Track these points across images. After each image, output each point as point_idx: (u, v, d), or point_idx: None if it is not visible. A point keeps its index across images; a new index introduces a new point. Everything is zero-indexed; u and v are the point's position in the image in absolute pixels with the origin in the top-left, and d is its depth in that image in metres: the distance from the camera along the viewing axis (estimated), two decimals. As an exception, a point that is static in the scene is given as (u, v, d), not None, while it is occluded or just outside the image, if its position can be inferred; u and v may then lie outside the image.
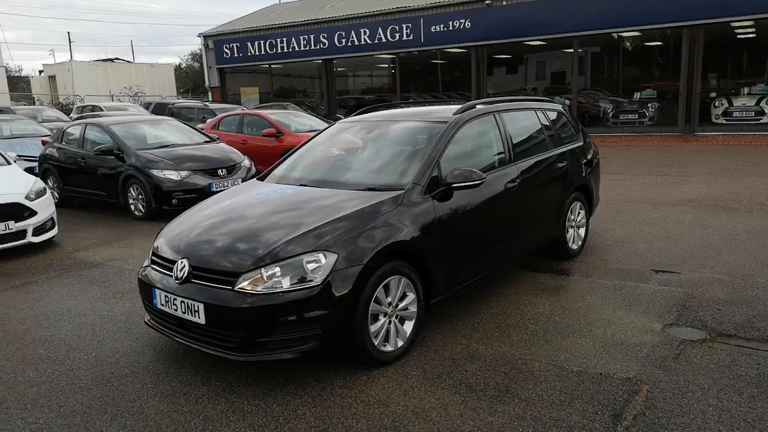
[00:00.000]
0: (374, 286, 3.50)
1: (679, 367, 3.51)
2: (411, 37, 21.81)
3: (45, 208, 7.25)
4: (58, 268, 6.28)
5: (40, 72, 36.68)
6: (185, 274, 3.50)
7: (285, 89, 28.76)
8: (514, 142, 4.97)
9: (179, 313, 3.51)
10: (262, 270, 3.31)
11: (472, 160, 4.60)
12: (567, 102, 19.64)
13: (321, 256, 3.35)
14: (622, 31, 19.16)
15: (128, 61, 41.10)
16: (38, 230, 7.10)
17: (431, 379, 3.46)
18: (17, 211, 6.87)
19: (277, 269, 3.31)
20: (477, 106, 4.87)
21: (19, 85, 37.25)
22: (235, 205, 4.20)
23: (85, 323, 4.60)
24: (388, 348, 3.68)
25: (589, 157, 6.12)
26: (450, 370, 3.57)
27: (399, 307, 3.74)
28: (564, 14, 18.48)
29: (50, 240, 7.33)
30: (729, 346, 3.78)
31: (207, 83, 28.93)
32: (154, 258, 3.89)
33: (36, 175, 10.56)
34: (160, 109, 20.93)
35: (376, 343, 3.57)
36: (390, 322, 3.69)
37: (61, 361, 3.91)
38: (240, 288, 3.29)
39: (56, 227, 7.49)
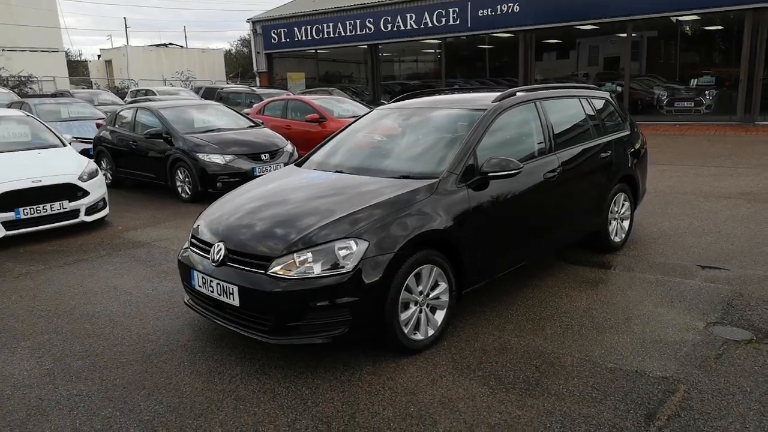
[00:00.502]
0: (405, 275, 3.50)
1: (721, 368, 3.38)
2: (458, 22, 21.50)
3: (97, 188, 7.53)
4: (108, 247, 6.53)
5: (99, 57, 38.10)
6: (221, 257, 3.58)
7: (331, 74, 28.85)
8: (556, 130, 4.85)
9: (215, 295, 3.60)
10: (295, 255, 3.35)
11: (510, 148, 4.52)
12: (619, 88, 19.02)
13: (352, 243, 3.37)
14: (680, 15, 18.33)
15: (181, 46, 42.17)
16: (90, 210, 7.38)
17: (460, 370, 3.45)
18: (71, 192, 7.16)
19: (309, 255, 3.34)
20: (517, 94, 4.76)
21: (78, 69, 38.70)
22: (271, 190, 4.26)
23: (130, 301, 4.77)
24: (419, 336, 3.69)
25: (636, 147, 5.92)
26: (480, 361, 3.55)
27: (430, 296, 3.73)
28: (617, -3, 17.83)
29: (102, 219, 7.61)
30: (776, 347, 3.62)
31: (255, 68, 29.30)
32: (193, 240, 3.99)
33: (91, 156, 11.01)
34: (209, 93, 21.40)
35: (406, 331, 3.58)
36: (421, 311, 3.69)
37: (105, 337, 4.08)
38: (273, 272, 3.34)
39: (107, 207, 7.77)
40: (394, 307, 3.46)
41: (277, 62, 29.12)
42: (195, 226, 4.11)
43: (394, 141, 4.77)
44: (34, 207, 6.83)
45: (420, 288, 3.65)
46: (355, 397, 3.19)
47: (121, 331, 4.16)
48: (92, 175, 7.58)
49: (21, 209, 6.73)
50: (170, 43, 42.49)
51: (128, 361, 3.70)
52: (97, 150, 11.21)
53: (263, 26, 28.03)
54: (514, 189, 4.26)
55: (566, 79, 20.99)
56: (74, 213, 7.19)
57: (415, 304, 3.65)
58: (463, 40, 23.18)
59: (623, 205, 5.72)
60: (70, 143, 8.64)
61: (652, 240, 6.00)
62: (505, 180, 4.12)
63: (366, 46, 25.24)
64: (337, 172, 4.43)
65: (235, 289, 3.44)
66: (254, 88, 20.16)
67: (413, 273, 3.57)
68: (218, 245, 3.65)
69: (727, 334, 3.81)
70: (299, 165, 4.89)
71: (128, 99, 21.28)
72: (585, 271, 5.11)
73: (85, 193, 7.29)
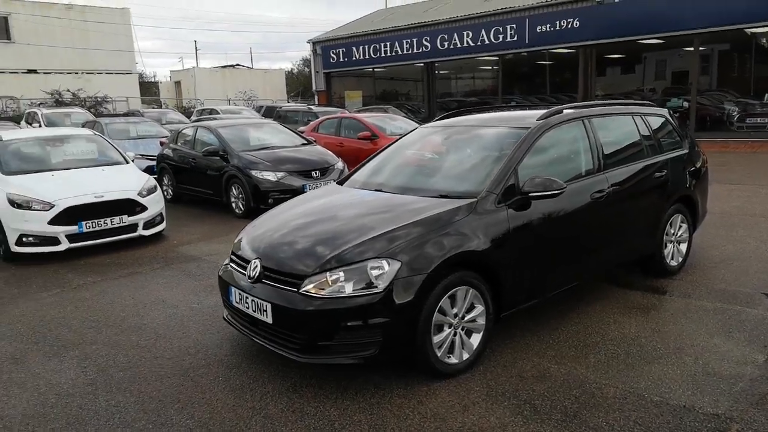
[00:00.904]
0: (439, 296, 3.43)
1: (780, 406, 3.12)
2: (515, 38, 21.29)
3: (155, 204, 7.84)
4: (162, 260, 6.76)
5: (169, 78, 40.10)
6: (257, 274, 3.62)
7: (388, 92, 29.12)
8: (605, 149, 4.67)
9: (251, 311, 3.64)
10: (327, 274, 3.35)
11: (554, 168, 4.38)
12: (685, 104, 18.25)
13: (385, 263, 3.33)
14: (755, 27, 17.43)
15: (247, 67, 43.79)
16: (148, 224, 7.68)
17: (494, 397, 3.33)
18: (130, 207, 7.47)
19: (341, 274, 3.33)
20: (564, 111, 4.63)
21: (150, 89, 40.77)
22: (309, 209, 4.29)
23: (176, 314, 4.90)
24: (453, 360, 3.59)
25: (695, 166, 5.62)
26: (516, 389, 3.41)
27: (466, 318, 3.64)
28: (682, 10, 17.16)
29: (159, 233, 7.90)
30: None
31: (314, 87, 29.96)
32: (233, 257, 4.06)
33: (154, 173, 11.52)
34: (269, 111, 22.03)
35: (439, 355, 3.50)
36: (455, 334, 3.60)
37: (148, 349, 4.19)
38: (305, 291, 3.35)
39: (164, 222, 8.06)
40: (426, 329, 3.39)
41: (335, 81, 29.69)
42: (236, 241, 4.18)
43: (436, 159, 4.73)
44: (96, 221, 7.17)
45: (455, 310, 3.57)
46: (383, 420, 3.13)
47: (164, 344, 4.27)
48: (151, 191, 7.89)
49: (83, 223, 7.07)
50: (237, 64, 44.19)
51: (167, 373, 3.78)
52: (159, 167, 11.70)
53: (323, 47, 28.68)
54: (558, 209, 4.12)
55: (632, 94, 20.28)
56: (133, 227, 7.49)
57: (450, 327, 3.56)
58: (521, 57, 22.91)
59: (680, 227, 5.43)
60: (132, 161, 9.05)
61: (713, 264, 5.65)
62: (548, 200, 3.99)
63: (422, 64, 25.36)
64: (377, 190, 4.42)
65: (269, 306, 3.46)
66: (311, 107, 20.56)
67: (447, 294, 3.49)
68: (255, 262, 3.70)
69: (790, 370, 3.52)
70: (341, 183, 4.91)
71: (194, 118, 22.18)
72: (636, 296, 4.86)
73: (144, 208, 7.59)
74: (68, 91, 26.46)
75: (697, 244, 6.26)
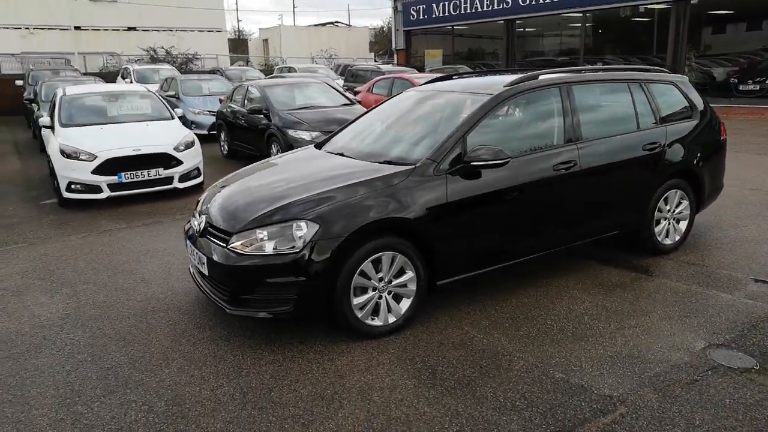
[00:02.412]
0: (360, 260, 3.53)
1: (684, 394, 2.99)
2: (601, -7, 19.91)
3: (191, 158, 8.35)
4: (187, 212, 7.25)
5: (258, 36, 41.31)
6: (201, 229, 3.89)
7: (473, 51, 28.31)
8: (583, 119, 4.47)
9: (196, 263, 3.93)
10: (250, 232, 3.54)
11: (513, 137, 4.27)
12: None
13: (304, 224, 3.46)
14: None
15: (346, 25, 44.24)
16: (183, 177, 8.22)
17: (402, 360, 3.43)
18: (166, 160, 8.02)
19: (264, 233, 3.51)
20: (540, 77, 4.46)
21: (241, 48, 42.21)
22: (266, 171, 4.49)
23: (169, 262, 5.32)
24: (376, 322, 3.70)
25: (706, 141, 5.21)
26: (428, 354, 3.48)
27: (393, 283, 3.72)
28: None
29: (198, 186, 8.42)
30: (777, 382, 3.09)
31: (393, 46, 29.76)
32: (194, 211, 4.36)
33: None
34: (345, 70, 22.33)
35: (359, 316, 3.62)
36: (380, 297, 3.70)
37: (127, 291, 4.63)
38: (232, 247, 3.57)
39: (202, 176, 8.58)
40: (345, 291, 3.52)
41: (416, 39, 29.28)
42: (200, 197, 4.47)
43: (400, 125, 4.72)
44: (134, 172, 7.79)
45: (380, 274, 3.66)
46: (287, 372, 3.33)
47: (143, 288, 4.69)
48: (188, 146, 8.40)
49: (123, 174, 7.70)
50: (337, 22, 44.55)
51: (129, 314, 4.18)
52: (218, 123, 12.33)
53: (403, 3, 28.28)
54: (512, 180, 4.03)
55: (752, 54, 18.01)
56: (168, 179, 8.06)
57: (374, 290, 3.66)
58: (613, 14, 21.39)
59: (680, 203, 5.10)
60: (179, 117, 9.62)
61: (721, 246, 5.28)
62: (500, 170, 3.93)
63: (502, 22, 24.41)
64: (339, 154, 4.52)
65: (206, 259, 3.73)
66: (380, 66, 20.55)
67: (371, 259, 3.58)
68: (202, 217, 3.97)
69: (725, 360, 3.33)
70: (319, 146, 5.04)
71: (274, 74, 22.85)
72: (612, 274, 4.69)
73: (179, 162, 8.12)
74: (162, 48, 28.02)
75: (713, 224, 5.87)
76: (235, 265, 3.51)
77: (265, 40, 38.73)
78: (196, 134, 12.30)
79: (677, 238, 5.16)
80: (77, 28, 28.26)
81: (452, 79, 5.34)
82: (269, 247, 3.47)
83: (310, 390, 3.14)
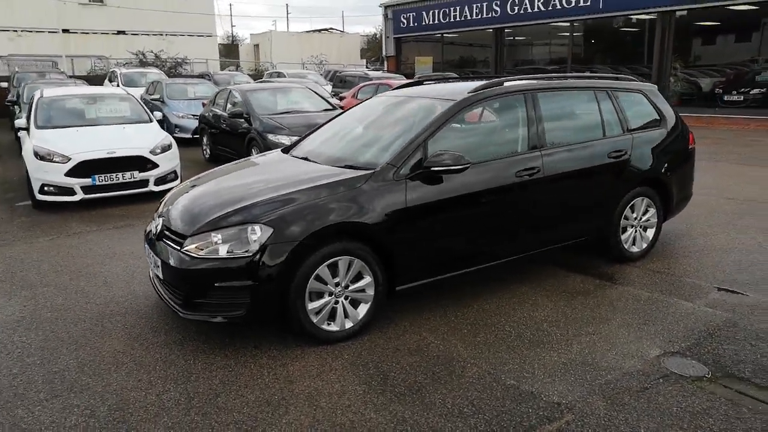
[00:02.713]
0: (315, 264, 3.50)
1: (632, 402, 2.97)
2: (588, 3, 20.11)
3: (168, 161, 8.29)
4: (160, 216, 7.19)
5: (249, 41, 41.30)
6: (158, 232, 3.85)
7: (462, 59, 28.42)
8: (548, 125, 4.47)
9: (153, 267, 3.88)
10: (205, 235, 3.50)
11: (478, 142, 4.27)
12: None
13: (257, 228, 3.43)
14: None
15: (340, 31, 44.26)
16: (159, 180, 8.15)
17: (356, 366, 3.39)
18: (141, 163, 7.96)
19: (218, 237, 3.47)
20: (505, 84, 4.46)
21: (233, 53, 42.19)
22: (229, 174, 4.44)
23: (133, 265, 5.26)
24: (333, 328, 3.67)
25: (673, 149, 5.23)
26: (383, 360, 3.45)
27: (351, 288, 3.69)
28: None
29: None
30: (727, 390, 3.09)
31: (384, 52, 29.85)
32: (154, 214, 4.32)
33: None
34: (334, 76, 22.39)
35: (315, 321, 3.58)
36: (337, 302, 3.66)
37: (86, 294, 4.57)
38: (186, 250, 3.53)
39: (179, 179, 8.50)
40: (299, 296, 3.48)
41: (407, 47, 29.38)
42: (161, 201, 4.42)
43: (366, 129, 4.71)
44: (108, 175, 7.72)
45: (336, 279, 3.63)
46: (236, 377, 3.29)
47: (103, 291, 4.63)
48: (165, 149, 8.35)
49: (96, 176, 7.64)
50: (331, 28, 44.53)
51: (86, 317, 4.12)
52: (200, 127, 12.29)
53: (394, 11, 28.40)
54: (473, 186, 4.02)
55: (739, 65, 18.03)
56: (143, 183, 7.99)
57: (330, 295, 3.63)
58: (598, 23, 21.54)
59: (646, 211, 5.10)
60: (157, 120, 9.57)
61: (688, 253, 5.29)
62: (461, 176, 3.92)
63: (491, 30, 24.54)
64: (303, 158, 4.49)
65: (161, 262, 3.68)
66: (368, 72, 20.59)
67: (326, 263, 3.55)
68: (159, 220, 3.93)
69: (678, 368, 3.32)
70: (286, 150, 5.01)
71: (263, 80, 22.84)
72: (576, 280, 4.68)
73: (155, 165, 8.06)
74: (151, 52, 27.95)
75: (682, 231, 5.89)
76: (188, 268, 3.47)
77: (256, 46, 38.78)
78: (180, 138, 12.28)
79: (644, 245, 5.16)
80: (66, 31, 28.14)
81: (422, 84, 5.33)
82: (223, 251, 3.44)
83: (258, 395, 3.09)
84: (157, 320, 4.05)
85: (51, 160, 7.56)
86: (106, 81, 22.30)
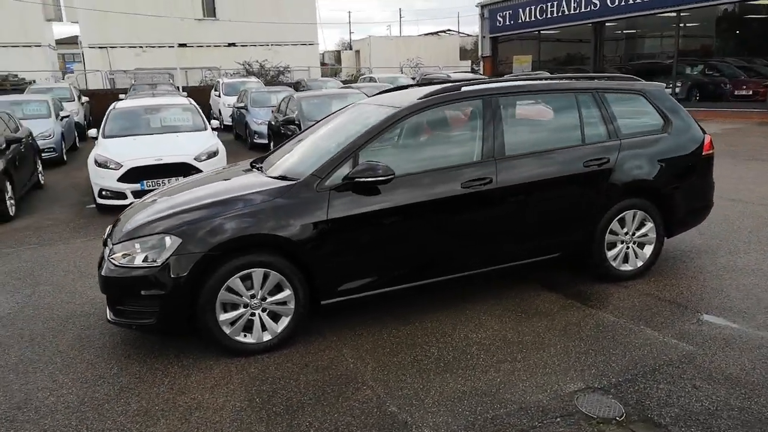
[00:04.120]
0: (225, 275, 3.52)
1: (505, 443, 2.68)
2: (695, -9, 18.32)
3: (211, 167, 8.73)
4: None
5: (350, 47, 42.34)
6: (104, 240, 4.08)
7: (561, 56, 27.15)
8: (509, 132, 4.16)
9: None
10: (129, 243, 3.65)
11: (421, 152, 4.06)
12: None
13: (168, 238, 3.52)
14: None
15: (457, 32, 44.19)
16: (204, 187, 8.62)
17: (254, 380, 3.37)
18: (186, 169, 8.43)
19: (137, 246, 3.61)
20: (462, 89, 4.21)
21: (348, 59, 43.31)
22: (183, 186, 4.56)
23: (135, 268, 5.59)
24: (249, 340, 3.67)
25: (681, 155, 4.63)
26: (284, 377, 3.40)
27: (268, 300, 3.67)
28: None
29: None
30: (631, 438, 2.69)
31: (480, 53, 29.31)
32: (118, 223, 4.56)
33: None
34: (424, 79, 22.37)
35: (228, 332, 3.61)
36: (253, 315, 3.66)
37: (74, 294, 4.92)
38: (112, 257, 3.70)
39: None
40: (209, 307, 3.52)
41: (503, 46, 28.63)
42: (129, 210, 4.66)
43: (321, 139, 4.64)
44: (155, 180, 8.29)
45: (252, 291, 3.62)
46: (137, 384, 3.39)
47: (91, 293, 4.96)
48: (211, 155, 8.82)
49: (145, 181, 8.24)
50: (448, 30, 44.53)
51: (57, 317, 4.43)
52: (268, 133, 12.85)
53: (490, 9, 27.78)
54: (409, 198, 3.84)
55: None
56: (187, 188, 8.49)
57: (245, 307, 3.64)
58: (719, 12, 19.53)
59: (643, 225, 4.57)
60: (216, 129, 10.12)
61: (698, 274, 4.68)
62: (399, 187, 3.79)
63: (590, 24, 23.18)
64: (257, 169, 4.51)
65: (98, 269, 3.90)
66: (450, 74, 20.30)
67: (239, 275, 3.56)
68: (109, 228, 4.16)
69: (589, 407, 2.94)
70: (256, 161, 5.01)
71: (357, 85, 23.36)
72: (543, 299, 4.30)
73: (198, 171, 8.52)
74: (257, 62, 29.58)
75: (711, 247, 5.21)
76: (108, 276, 3.64)
77: (357, 52, 39.69)
78: (258, 143, 12.90)
79: (640, 264, 4.62)
80: (182, 45, 30.57)
81: (401, 89, 5.15)
82: (139, 260, 3.57)
83: (142, 405, 3.17)
84: (104, 325, 4.21)
85: (107, 167, 8.27)
86: (213, 90, 23.93)
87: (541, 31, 26.03)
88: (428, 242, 3.97)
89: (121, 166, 8.19)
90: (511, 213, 4.14)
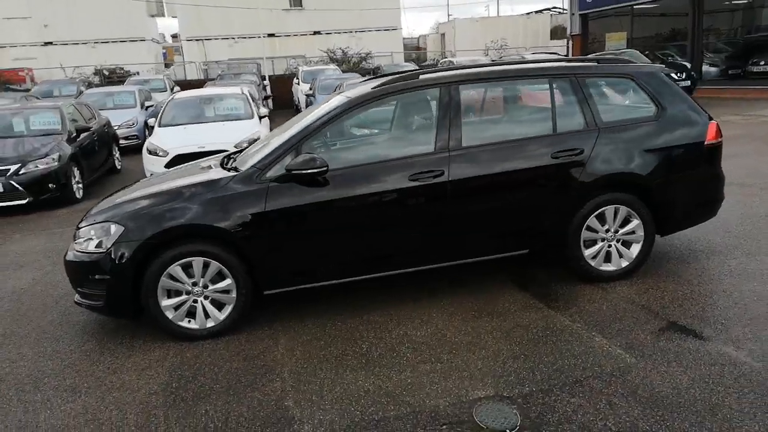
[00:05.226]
0: (165, 263, 3.66)
1: (374, 448, 2.60)
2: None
3: (252, 156, 9.06)
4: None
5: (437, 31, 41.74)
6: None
7: (655, 33, 25.21)
8: (467, 122, 3.98)
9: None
10: (87, 229, 3.88)
11: (370, 143, 3.97)
12: None
13: (113, 226, 3.71)
14: None
15: (563, 10, 42.26)
16: (243, 173, 8.96)
17: (182, 365, 3.48)
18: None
19: (92, 232, 3.83)
20: (420, 77, 4.06)
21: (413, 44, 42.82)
22: (164, 179, 4.70)
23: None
24: (192, 326, 3.80)
25: (674, 146, 4.18)
26: (211, 363, 3.49)
27: (210, 289, 3.77)
28: None
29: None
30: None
31: (569, 32, 27.89)
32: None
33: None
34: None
35: (171, 317, 3.75)
36: (196, 302, 3.78)
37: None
38: (76, 242, 3.96)
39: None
40: (152, 293, 3.68)
41: (594, 24, 27.03)
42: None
43: (283, 130, 4.62)
44: (196, 168, 8.73)
45: (193, 279, 3.74)
46: (75, 362, 3.60)
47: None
48: (252, 143, 9.12)
49: (187, 169, 8.70)
50: (554, 7, 42.66)
51: (49, 293, 4.79)
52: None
53: (580, -15, 26.30)
54: (350, 190, 3.78)
55: None
56: (227, 175, 8.86)
57: (187, 294, 3.77)
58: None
59: (628, 222, 4.19)
60: (261, 117, 10.43)
61: (695, 277, 4.24)
62: (342, 179, 3.77)
63: (688, -3, 21.29)
64: (220, 164, 4.57)
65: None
66: (525, 55, 19.47)
67: (179, 263, 3.69)
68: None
69: (483, 416, 2.78)
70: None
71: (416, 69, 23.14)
72: (505, 298, 4.09)
73: (238, 160, 8.88)
74: (340, 49, 30.06)
75: (730, 246, 4.70)
76: (68, 259, 3.90)
77: (442, 35, 39.12)
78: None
79: (625, 264, 4.25)
80: (270, 35, 31.70)
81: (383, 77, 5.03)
82: (92, 245, 3.79)
83: (75, 381, 3.38)
84: (72, 307, 4.42)
85: (156, 154, 8.81)
86: (294, 78, 24.64)
87: (635, 6, 24.27)
88: (376, 236, 3.90)
89: (168, 153, 8.68)
90: (467, 207, 3.95)
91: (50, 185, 8.46)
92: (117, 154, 11.89)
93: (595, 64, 4.38)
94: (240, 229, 3.68)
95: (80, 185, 9.24)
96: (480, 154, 3.93)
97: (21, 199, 8.23)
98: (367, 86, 4.12)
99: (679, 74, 17.23)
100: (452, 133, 3.91)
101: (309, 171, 3.63)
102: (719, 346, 3.24)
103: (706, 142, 4.25)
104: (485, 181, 3.93)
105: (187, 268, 3.72)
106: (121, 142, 12.96)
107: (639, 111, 4.25)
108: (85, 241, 3.84)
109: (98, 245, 3.73)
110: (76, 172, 9.24)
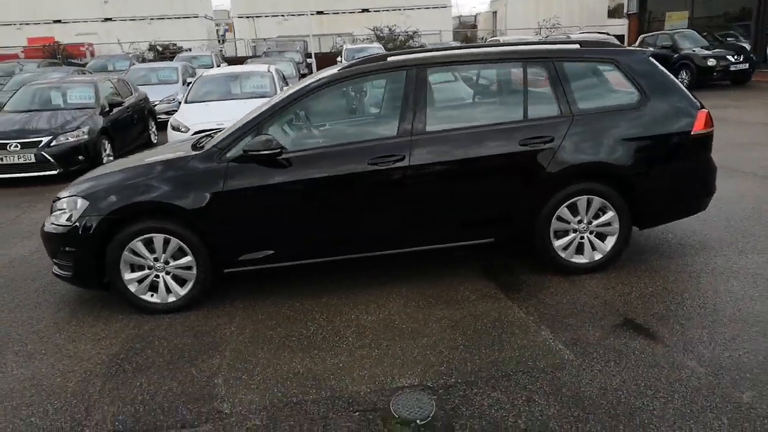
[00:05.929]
0: (128, 238, 3.77)
1: (285, 425, 2.62)
2: None
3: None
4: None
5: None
6: (59, 200, 4.55)
7: (717, 12, 23.78)
8: (432, 107, 3.90)
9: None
10: (60, 203, 4.04)
11: (333, 126, 3.94)
12: None
13: (79, 200, 3.85)
14: None
15: None
16: (261, 151, 9.10)
17: (134, 337, 3.61)
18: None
19: (64, 205, 3.99)
20: (389, 59, 3.99)
21: (470, 22, 41.96)
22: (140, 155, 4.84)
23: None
24: (154, 299, 3.92)
25: (657, 135, 3.96)
26: (161, 338, 3.58)
27: (172, 264, 3.87)
28: None
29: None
30: (410, 445, 2.50)
31: (626, 10, 26.71)
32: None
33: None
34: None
35: (133, 290, 3.88)
36: (158, 277, 3.89)
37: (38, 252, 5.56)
38: (53, 214, 4.13)
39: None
40: (114, 266, 3.82)
41: (653, 3, 25.74)
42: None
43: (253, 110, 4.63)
44: (215, 145, 8.92)
45: (154, 255, 3.85)
46: (43, 330, 3.79)
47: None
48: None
49: (206, 145, 8.90)
50: None
51: (43, 264, 5.03)
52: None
53: (638, -39, 25.07)
54: (308, 173, 3.79)
55: None
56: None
57: (150, 269, 3.88)
58: None
59: (601, 213, 4.02)
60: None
61: (674, 272, 4.04)
62: (301, 162, 3.78)
63: (754, -27, 19.94)
64: (193, 144, 4.62)
65: (49, 226, 4.36)
66: (570, 35, 18.75)
67: (140, 239, 3.80)
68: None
69: (400, 406, 2.76)
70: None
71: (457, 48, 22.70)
72: (466, 287, 4.02)
73: (255, 136, 9.01)
74: (387, 27, 29.84)
75: (724, 242, 4.46)
76: (43, 230, 4.08)
77: (494, 13, 38.10)
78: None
79: (598, 256, 4.08)
80: (319, 12, 31.76)
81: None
82: (63, 218, 3.95)
83: (35, 347, 3.55)
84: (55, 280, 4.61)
85: (179, 130, 9.03)
86: (338, 56, 24.67)
87: (697, -16, 22.94)
88: (334, 219, 3.89)
89: (189, 129, 8.88)
90: (429, 193, 3.88)
91: (80, 157, 8.84)
92: (153, 128, 12.24)
93: (577, 47, 4.16)
94: (197, 207, 3.75)
95: (110, 158, 9.58)
96: (444, 140, 3.83)
97: (52, 170, 8.63)
98: (335, 68, 4.08)
99: (736, 56, 16.22)
100: (417, 117, 3.83)
101: (264, 152, 3.65)
102: (668, 348, 3.09)
103: (693, 132, 4.00)
104: (448, 167, 3.84)
105: (149, 244, 3.83)
106: (161, 116, 13.34)
107: (620, 98, 4.04)
108: (60, 214, 4.00)
109: (68, 219, 3.88)
110: (107, 145, 9.62)
